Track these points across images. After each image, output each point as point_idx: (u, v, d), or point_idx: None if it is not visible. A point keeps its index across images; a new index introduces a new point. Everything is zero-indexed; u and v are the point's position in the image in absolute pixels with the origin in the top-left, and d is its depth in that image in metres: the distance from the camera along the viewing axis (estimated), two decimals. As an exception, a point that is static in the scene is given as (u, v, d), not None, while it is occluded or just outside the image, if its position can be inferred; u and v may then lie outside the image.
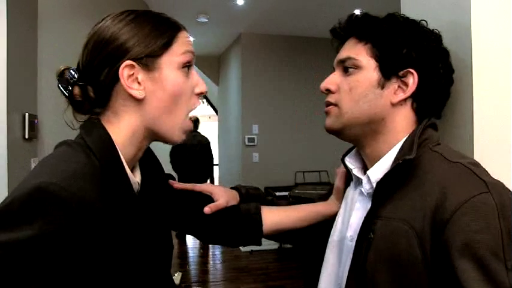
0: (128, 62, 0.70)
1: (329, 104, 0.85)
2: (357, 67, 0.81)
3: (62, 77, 0.74)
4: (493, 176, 0.71)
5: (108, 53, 0.70)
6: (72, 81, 0.73)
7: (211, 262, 5.03)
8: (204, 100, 8.39)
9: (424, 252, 0.67)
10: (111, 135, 0.71)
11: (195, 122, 5.38)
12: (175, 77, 0.73)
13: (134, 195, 0.73)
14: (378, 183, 0.76)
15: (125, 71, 0.70)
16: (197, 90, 0.77)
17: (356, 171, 0.87)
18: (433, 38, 0.81)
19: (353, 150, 0.92)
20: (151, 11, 0.77)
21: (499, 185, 0.68)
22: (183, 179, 5.36)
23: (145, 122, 0.73)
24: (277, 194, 5.03)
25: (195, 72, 0.78)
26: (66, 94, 0.74)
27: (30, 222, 0.57)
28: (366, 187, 0.82)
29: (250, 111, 5.30)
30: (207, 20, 4.69)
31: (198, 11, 4.47)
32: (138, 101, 0.72)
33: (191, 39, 0.78)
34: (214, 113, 8.13)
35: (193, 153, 5.37)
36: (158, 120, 0.73)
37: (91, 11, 2.70)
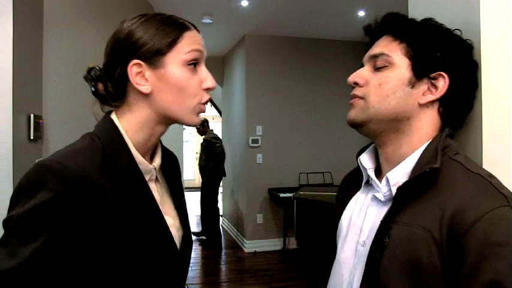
0: (135, 61, 0.78)
1: (355, 96, 0.85)
2: (390, 63, 0.81)
3: (88, 74, 0.83)
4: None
5: (120, 53, 0.79)
6: (95, 78, 0.83)
7: (214, 263, 5.03)
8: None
9: (443, 260, 0.67)
10: (123, 124, 0.81)
11: (203, 123, 5.66)
12: (179, 73, 0.79)
13: (138, 170, 0.80)
14: (399, 188, 0.75)
15: (133, 69, 0.78)
16: (204, 85, 0.82)
17: (370, 172, 0.86)
18: (466, 47, 0.82)
19: (368, 150, 0.91)
20: (162, 13, 0.82)
21: None
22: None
23: (156, 112, 0.81)
24: (281, 195, 5.03)
25: (204, 69, 0.83)
26: (92, 89, 0.84)
27: (34, 194, 0.68)
28: (383, 190, 0.81)
29: (254, 112, 5.30)
30: (211, 21, 4.70)
31: (203, 12, 4.48)
32: (146, 95, 0.79)
33: (199, 37, 0.83)
34: (218, 114, 8.13)
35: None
36: (167, 109, 0.80)
37: (96, 12, 2.71)
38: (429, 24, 0.83)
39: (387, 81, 0.80)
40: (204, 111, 0.84)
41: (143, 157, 0.81)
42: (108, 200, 0.73)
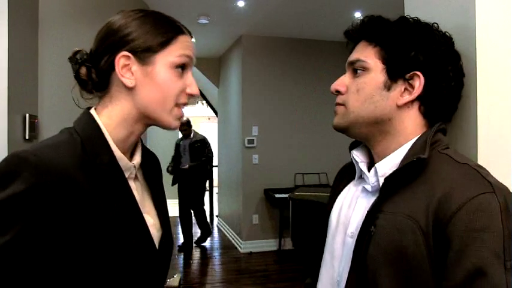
0: (125, 53, 0.77)
1: (337, 104, 0.87)
2: (365, 69, 0.82)
3: (74, 56, 0.82)
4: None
5: (111, 42, 0.78)
6: (80, 61, 0.81)
7: (210, 264, 5.03)
8: (204, 101, 8.40)
9: (429, 247, 0.68)
10: (104, 119, 0.80)
11: (189, 123, 5.58)
12: (165, 74, 0.79)
13: (118, 166, 0.78)
14: (387, 178, 0.76)
15: (121, 60, 0.77)
16: (188, 90, 0.82)
17: (362, 165, 0.87)
18: (443, 41, 0.81)
19: (362, 145, 0.92)
20: (160, 12, 0.83)
21: (504, 188, 0.69)
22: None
23: (136, 108, 0.80)
24: (277, 195, 5.03)
25: (190, 75, 0.83)
26: (74, 73, 0.82)
27: (7, 185, 0.66)
28: (371, 181, 0.82)
29: (250, 112, 5.30)
30: (207, 22, 4.69)
31: (199, 13, 4.48)
32: (130, 89, 0.79)
33: (191, 44, 0.83)
34: (214, 114, 8.12)
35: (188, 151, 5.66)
36: (148, 107, 0.80)
37: (91, 12, 2.70)
38: (402, 24, 0.82)
39: (363, 87, 0.82)
40: (182, 116, 0.84)
41: (123, 154, 0.81)
42: (86, 196, 0.71)
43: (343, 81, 0.86)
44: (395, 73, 0.80)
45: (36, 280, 0.68)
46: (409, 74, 0.79)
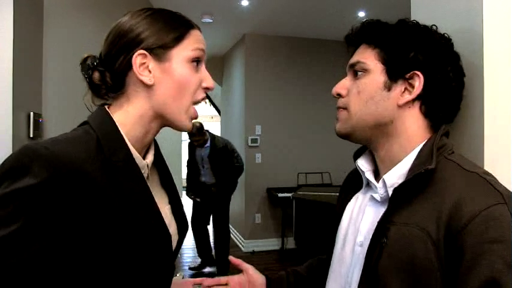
0: (141, 51, 0.77)
1: (339, 108, 0.87)
2: (365, 70, 0.82)
3: (84, 62, 0.81)
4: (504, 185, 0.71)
5: (125, 42, 0.78)
6: (92, 66, 0.80)
7: (213, 262, 5.02)
8: (207, 100, 8.40)
9: (440, 259, 0.68)
10: (120, 118, 0.79)
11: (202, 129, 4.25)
12: (182, 69, 0.79)
13: (135, 163, 0.77)
14: (395, 189, 0.76)
15: (137, 58, 0.77)
16: (204, 84, 0.82)
17: (368, 175, 0.87)
18: (443, 42, 0.82)
19: (366, 153, 0.92)
20: (167, 10, 0.83)
21: None
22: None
23: (153, 106, 0.79)
24: (280, 195, 5.03)
25: (205, 69, 0.84)
26: (87, 79, 0.81)
27: (18, 178, 0.65)
28: (380, 192, 0.82)
29: (254, 112, 5.30)
30: (211, 21, 4.70)
31: (203, 12, 4.48)
32: (148, 87, 0.78)
33: (202, 37, 0.84)
34: (217, 113, 8.13)
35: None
36: (165, 105, 0.79)
37: (96, 10, 2.71)
38: (401, 26, 0.83)
39: (364, 88, 0.82)
40: (196, 117, 0.83)
41: (138, 153, 0.80)
42: (101, 192, 0.70)
43: (344, 84, 0.87)
44: (395, 73, 0.80)
45: (43, 274, 0.67)
46: (408, 74, 0.79)
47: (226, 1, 4.15)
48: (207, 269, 4.48)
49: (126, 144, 0.77)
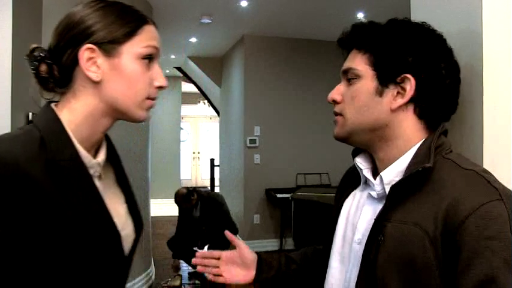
0: (89, 45, 0.73)
1: (335, 114, 0.87)
2: (357, 76, 0.82)
3: (31, 54, 0.76)
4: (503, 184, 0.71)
5: (73, 35, 0.74)
6: (39, 58, 0.76)
7: (211, 263, 5.01)
8: (206, 101, 8.41)
9: (437, 256, 0.68)
10: (66, 115, 0.75)
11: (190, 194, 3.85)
12: (132, 66, 0.76)
13: (81, 162, 0.74)
14: (393, 187, 0.76)
15: (85, 53, 0.73)
16: (156, 83, 0.79)
17: (366, 172, 0.87)
18: (433, 39, 0.80)
19: (365, 151, 0.92)
20: (121, 2, 0.80)
21: (511, 194, 0.69)
22: None
23: (103, 102, 0.76)
24: (279, 195, 5.03)
25: (157, 67, 0.80)
26: (33, 71, 0.77)
27: None
28: (377, 188, 0.82)
29: (252, 112, 5.30)
30: (210, 21, 4.70)
31: (202, 13, 4.48)
32: (95, 83, 0.75)
33: (157, 34, 0.81)
34: (215, 114, 8.13)
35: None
36: (116, 100, 0.76)
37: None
38: (390, 27, 0.82)
39: (357, 94, 0.82)
40: (153, 107, 0.80)
41: (87, 151, 0.76)
42: (46, 195, 0.67)
43: (338, 90, 0.86)
44: (385, 78, 0.79)
45: None
46: (399, 78, 0.78)
47: (226, 2, 4.15)
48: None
49: (72, 143, 0.73)
